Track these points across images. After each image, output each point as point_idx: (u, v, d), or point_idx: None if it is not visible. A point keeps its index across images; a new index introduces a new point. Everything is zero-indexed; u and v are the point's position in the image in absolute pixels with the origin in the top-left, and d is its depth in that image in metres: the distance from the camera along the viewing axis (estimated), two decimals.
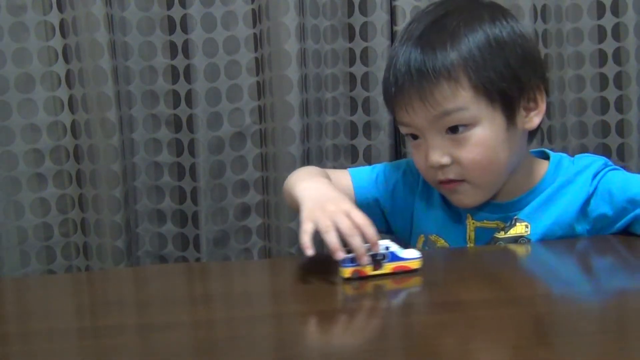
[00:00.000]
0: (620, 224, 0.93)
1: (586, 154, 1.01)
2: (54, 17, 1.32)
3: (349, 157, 1.40)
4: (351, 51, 1.38)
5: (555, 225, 0.94)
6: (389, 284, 0.77)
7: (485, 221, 0.97)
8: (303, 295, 0.76)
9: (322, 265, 0.81)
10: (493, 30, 0.89)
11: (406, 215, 1.05)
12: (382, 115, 1.37)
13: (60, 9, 1.32)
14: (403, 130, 0.96)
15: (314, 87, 1.35)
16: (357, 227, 0.78)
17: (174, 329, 0.69)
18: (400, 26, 1.32)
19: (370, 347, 0.61)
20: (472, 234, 0.98)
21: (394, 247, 0.78)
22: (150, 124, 1.38)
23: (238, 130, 1.37)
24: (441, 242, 1.00)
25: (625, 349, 0.58)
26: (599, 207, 0.93)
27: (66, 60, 1.33)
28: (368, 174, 1.06)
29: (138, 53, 1.35)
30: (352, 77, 1.38)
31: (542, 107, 0.93)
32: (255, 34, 1.35)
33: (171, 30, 1.35)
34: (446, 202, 1.00)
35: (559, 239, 0.94)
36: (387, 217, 1.06)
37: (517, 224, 0.95)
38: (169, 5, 1.35)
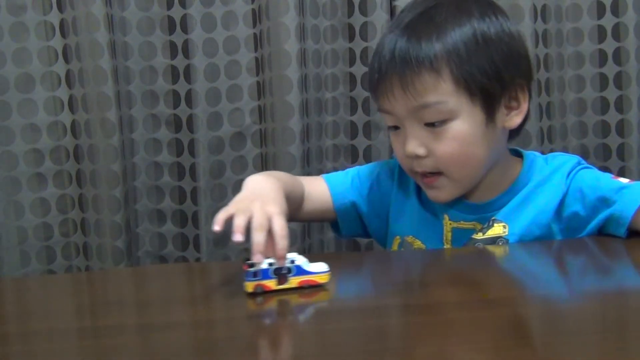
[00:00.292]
0: (594, 224, 0.92)
1: (559, 153, 1.02)
2: (54, 17, 1.32)
3: (349, 157, 1.40)
4: (351, 51, 1.38)
5: (533, 225, 0.94)
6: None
7: (462, 222, 0.97)
8: (309, 294, 0.76)
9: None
10: (481, 25, 0.89)
11: (382, 217, 1.04)
12: None
13: (60, 9, 1.32)
14: (385, 120, 0.96)
15: (314, 87, 1.35)
16: (274, 235, 0.76)
17: (173, 329, 0.69)
18: None
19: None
20: (449, 235, 0.97)
21: (301, 261, 0.76)
22: (150, 124, 1.38)
23: (238, 130, 1.37)
24: (418, 244, 0.99)
25: (607, 348, 0.58)
26: (571, 206, 0.94)
27: (66, 60, 1.33)
28: (343, 179, 1.06)
29: (138, 53, 1.35)
30: (352, 77, 1.38)
31: (524, 107, 0.93)
32: (255, 34, 1.35)
33: (171, 30, 1.35)
34: (422, 203, 1.00)
35: (537, 239, 0.94)
36: (364, 221, 1.06)
37: (495, 224, 0.95)
38: (169, 5, 1.35)
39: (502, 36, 0.90)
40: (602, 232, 0.93)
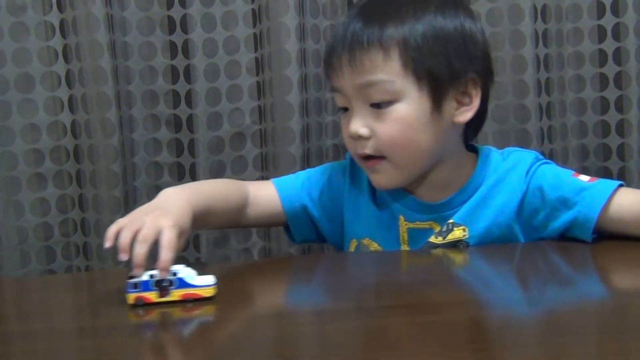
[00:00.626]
0: (556, 225, 0.91)
1: (516, 148, 1.00)
2: (54, 17, 1.32)
3: None
4: None
5: (493, 226, 0.93)
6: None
7: (417, 222, 0.96)
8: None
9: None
10: (438, 19, 0.90)
11: (336, 220, 1.03)
12: None
13: (60, 9, 1.32)
14: (337, 100, 0.96)
15: (314, 87, 1.35)
16: (159, 246, 0.75)
17: (173, 328, 0.69)
18: None
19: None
20: (405, 235, 0.96)
21: (185, 273, 0.74)
22: (150, 124, 1.38)
23: (238, 130, 1.37)
24: (374, 246, 0.98)
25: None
26: (532, 205, 0.93)
27: (66, 60, 1.33)
28: (293, 182, 1.05)
29: (138, 53, 1.35)
30: None
31: (476, 103, 0.92)
32: (255, 34, 1.35)
33: (171, 30, 1.35)
34: (377, 204, 0.99)
35: (498, 240, 0.93)
36: (317, 225, 1.04)
37: (454, 228, 0.94)
38: (169, 5, 1.35)
39: (459, 33, 0.90)
40: (567, 235, 0.92)
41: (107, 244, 0.75)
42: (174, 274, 0.74)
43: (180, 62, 1.35)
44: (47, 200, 1.35)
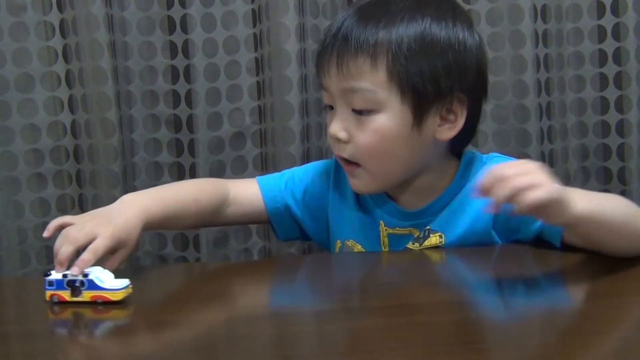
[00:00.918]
0: (531, 230, 0.89)
1: (496, 154, 0.99)
2: (54, 17, 1.32)
3: None
4: None
5: (469, 233, 0.92)
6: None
7: (397, 228, 0.95)
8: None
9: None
10: (433, 27, 0.87)
11: (321, 220, 1.03)
12: None
13: (60, 9, 1.32)
14: (324, 97, 0.95)
15: (313, 87, 1.35)
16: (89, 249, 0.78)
17: (173, 328, 0.69)
18: None
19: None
20: (386, 240, 0.96)
21: (98, 275, 0.75)
22: (150, 124, 1.38)
23: (238, 130, 1.37)
24: (358, 248, 0.98)
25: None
26: (505, 208, 0.92)
27: (66, 60, 1.33)
28: (276, 181, 1.04)
29: (138, 53, 1.35)
30: None
31: (460, 123, 0.90)
32: (255, 34, 1.35)
33: (171, 30, 1.35)
34: (360, 207, 0.98)
35: (475, 246, 0.91)
36: (300, 224, 1.04)
37: (431, 235, 0.93)
38: (169, 5, 1.35)
39: (452, 44, 0.88)
40: (541, 239, 0.90)
41: (46, 234, 0.82)
42: (86, 275, 0.75)
43: (180, 62, 1.35)
44: (47, 201, 1.35)
